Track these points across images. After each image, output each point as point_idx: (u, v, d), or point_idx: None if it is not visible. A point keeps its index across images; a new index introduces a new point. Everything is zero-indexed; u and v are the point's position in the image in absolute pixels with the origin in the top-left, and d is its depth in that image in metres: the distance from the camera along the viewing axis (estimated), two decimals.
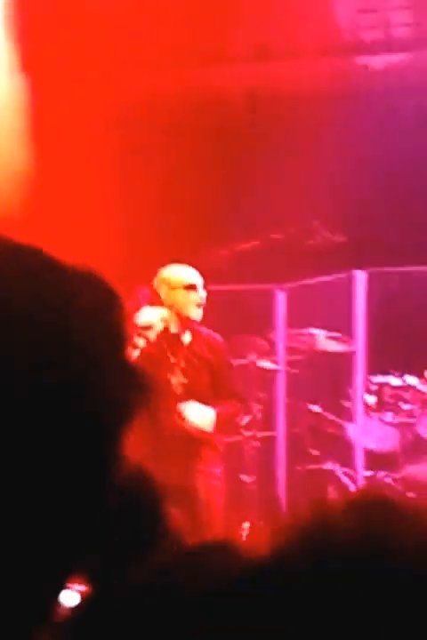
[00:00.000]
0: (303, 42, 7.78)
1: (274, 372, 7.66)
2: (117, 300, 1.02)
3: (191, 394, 5.91)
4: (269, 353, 7.51)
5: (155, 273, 6.00)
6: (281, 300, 7.98)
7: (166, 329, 6.01)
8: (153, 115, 7.92)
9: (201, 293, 6.01)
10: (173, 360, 5.99)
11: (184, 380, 5.97)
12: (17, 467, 0.92)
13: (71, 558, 0.98)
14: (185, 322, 6.00)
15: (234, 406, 6.15)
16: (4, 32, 7.03)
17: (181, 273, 6.05)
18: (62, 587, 0.98)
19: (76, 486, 0.95)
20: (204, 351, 6.08)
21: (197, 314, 6.00)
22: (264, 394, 7.43)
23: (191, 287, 5.97)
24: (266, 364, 7.15)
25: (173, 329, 6.00)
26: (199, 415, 5.83)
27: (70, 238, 7.03)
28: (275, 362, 7.63)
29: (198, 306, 6.00)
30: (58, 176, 7.51)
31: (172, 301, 5.98)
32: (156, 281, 6.05)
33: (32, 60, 7.10)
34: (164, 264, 6.12)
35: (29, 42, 7.03)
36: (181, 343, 6.03)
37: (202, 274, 6.14)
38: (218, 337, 6.20)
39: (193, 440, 5.83)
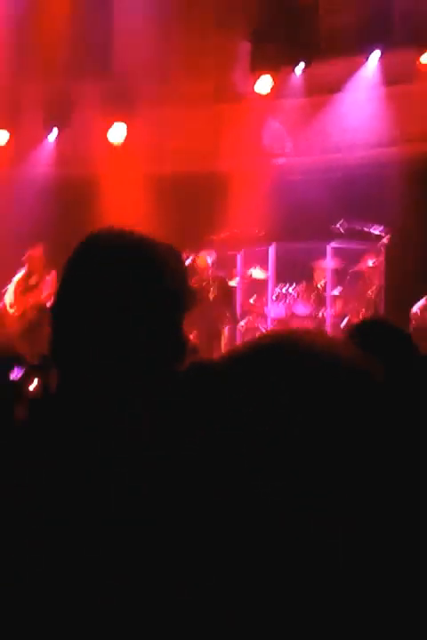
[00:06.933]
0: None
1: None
2: (183, 259, 2.03)
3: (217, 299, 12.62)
4: None
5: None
6: None
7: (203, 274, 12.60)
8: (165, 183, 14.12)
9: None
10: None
11: (215, 293, 12.60)
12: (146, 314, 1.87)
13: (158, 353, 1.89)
14: (214, 278, 12.63)
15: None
16: None
17: (205, 259, 12.53)
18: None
19: (161, 328, 1.90)
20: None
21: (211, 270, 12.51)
22: None
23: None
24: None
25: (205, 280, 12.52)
26: None
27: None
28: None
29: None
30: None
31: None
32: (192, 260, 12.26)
33: None
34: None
35: None
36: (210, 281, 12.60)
37: None
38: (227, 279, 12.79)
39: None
